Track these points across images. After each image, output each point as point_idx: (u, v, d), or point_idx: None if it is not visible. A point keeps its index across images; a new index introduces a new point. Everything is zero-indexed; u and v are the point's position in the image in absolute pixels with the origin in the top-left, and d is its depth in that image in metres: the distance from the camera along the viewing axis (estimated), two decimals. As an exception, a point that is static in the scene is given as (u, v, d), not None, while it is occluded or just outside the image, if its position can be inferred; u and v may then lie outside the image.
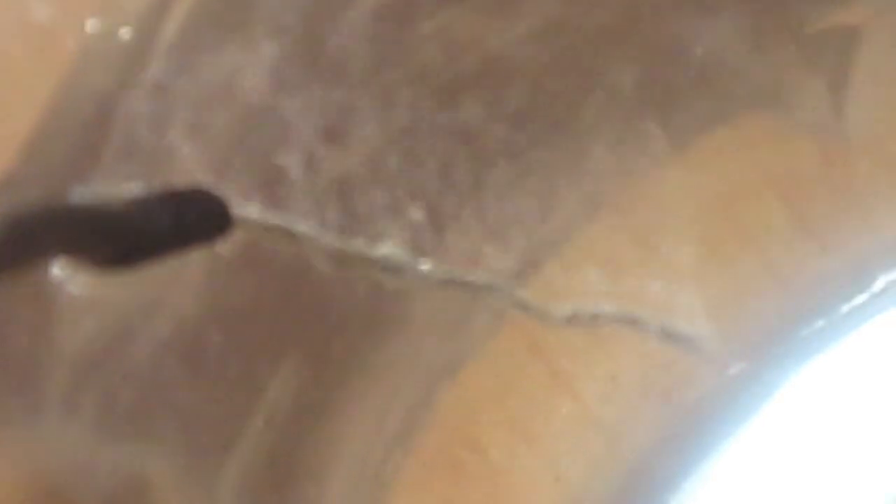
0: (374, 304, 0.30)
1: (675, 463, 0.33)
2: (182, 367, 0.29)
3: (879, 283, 0.33)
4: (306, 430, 0.31)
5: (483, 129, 0.30)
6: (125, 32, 0.28)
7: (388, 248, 0.30)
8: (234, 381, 0.30)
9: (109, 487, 0.29)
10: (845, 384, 0.34)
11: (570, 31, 0.30)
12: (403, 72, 0.29)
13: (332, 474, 0.31)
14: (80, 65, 0.28)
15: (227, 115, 0.28)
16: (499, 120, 0.30)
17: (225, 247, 0.29)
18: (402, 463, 0.32)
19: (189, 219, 0.28)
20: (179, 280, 0.28)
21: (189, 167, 0.29)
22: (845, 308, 0.33)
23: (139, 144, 0.28)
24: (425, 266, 0.31)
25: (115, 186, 0.28)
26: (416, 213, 0.30)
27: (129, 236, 0.27)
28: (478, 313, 0.31)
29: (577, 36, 0.30)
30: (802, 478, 0.34)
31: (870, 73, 0.32)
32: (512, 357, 0.32)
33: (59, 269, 0.28)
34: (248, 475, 0.30)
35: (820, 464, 0.34)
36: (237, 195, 0.29)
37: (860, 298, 0.33)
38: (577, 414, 0.33)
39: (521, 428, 0.33)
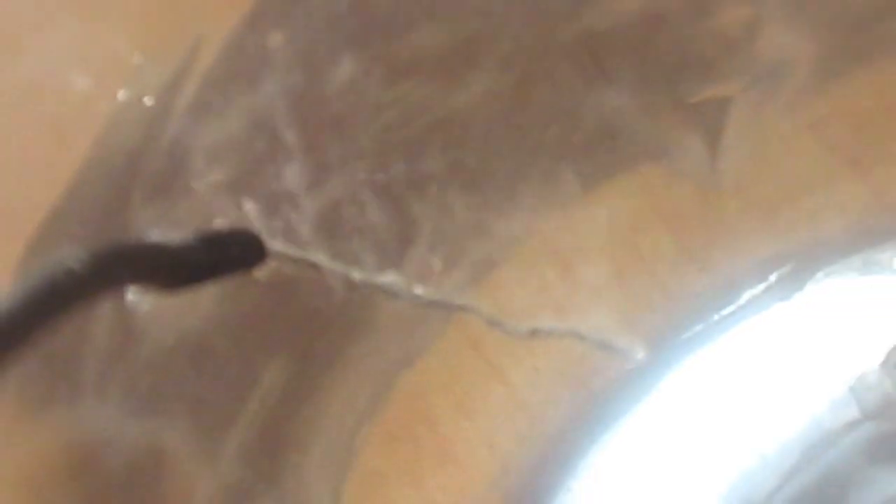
0: (349, 311, 0.33)
1: (586, 436, 0.36)
2: (191, 363, 0.32)
3: (744, 297, 0.36)
4: (292, 411, 0.34)
5: (436, 175, 0.33)
6: (148, 100, 0.30)
7: (388, 277, 0.33)
8: (234, 374, 0.33)
9: (132, 454, 0.31)
10: (718, 375, 0.37)
11: (503, 99, 0.33)
12: (371, 129, 0.32)
13: (312, 444, 0.34)
14: (112, 125, 0.29)
15: (232, 164, 0.31)
16: (448, 167, 0.33)
17: (262, 273, 0.31)
18: (370, 435, 0.35)
19: (233, 251, 0.30)
20: (194, 298, 0.30)
21: (204, 206, 0.31)
22: (717, 317, 0.36)
23: (161, 188, 0.30)
24: (417, 291, 0.33)
25: (173, 229, 0.29)
26: (390, 245, 0.32)
27: (187, 266, 0.28)
28: (431, 318, 0.34)
29: (510, 102, 0.33)
30: (683, 449, 0.37)
31: (737, 133, 0.34)
32: (457, 352, 0.35)
33: (132, 294, 0.30)
34: (245, 446, 0.33)
35: (698, 437, 0.37)
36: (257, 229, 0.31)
37: (729, 309, 0.36)
38: (508, 397, 0.35)
39: (464, 408, 0.35)
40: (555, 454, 0.36)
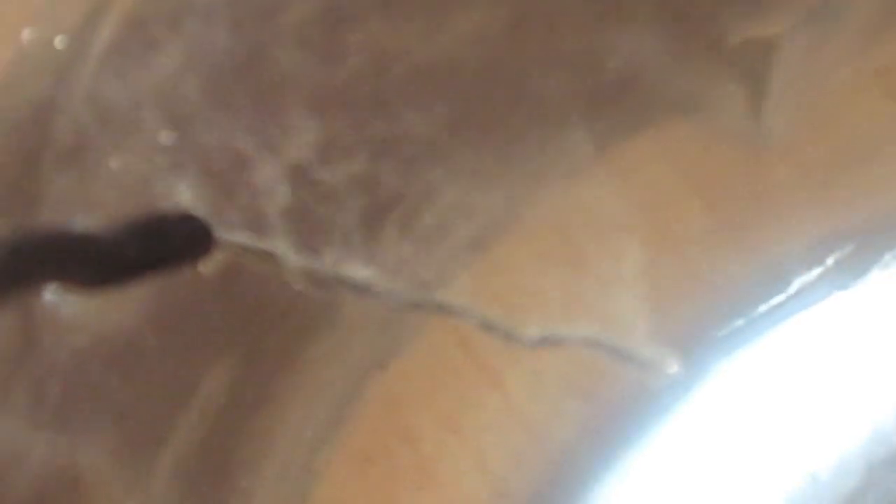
0: (306, 303, 0.32)
1: (598, 457, 0.35)
2: (114, 366, 0.31)
3: (795, 285, 0.35)
4: (239, 424, 0.33)
5: (414, 136, 0.32)
6: (60, 41, 0.29)
7: (357, 270, 0.32)
8: (168, 379, 0.32)
9: (41, 479, 0.31)
10: (762, 382, 0.36)
11: (494, 42, 0.32)
12: (334, 81, 0.31)
13: (263, 466, 0.33)
14: (14, 72, 0.29)
15: (169, 127, 0.30)
16: (428, 126, 0.32)
17: (207, 266, 0.31)
18: (334, 454, 0.34)
19: (174, 240, 0.30)
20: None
21: (134, 181, 0.30)
22: (763, 308, 0.35)
23: (78, 155, 0.30)
24: (395, 287, 0.33)
25: (99, 213, 0.29)
26: (355, 229, 0.32)
27: (117, 259, 0.28)
28: (408, 312, 0.33)
29: (502, 46, 0.32)
30: (721, 473, 0.36)
31: (786, 82, 0.33)
32: (441, 352, 0.34)
33: (50, 294, 0.29)
34: (182, 468, 0.32)
35: (738, 458, 0.36)
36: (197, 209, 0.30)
37: (777, 299, 0.35)
38: (503, 409, 0.35)
39: (451, 421, 0.35)
40: (560, 478, 0.35)
